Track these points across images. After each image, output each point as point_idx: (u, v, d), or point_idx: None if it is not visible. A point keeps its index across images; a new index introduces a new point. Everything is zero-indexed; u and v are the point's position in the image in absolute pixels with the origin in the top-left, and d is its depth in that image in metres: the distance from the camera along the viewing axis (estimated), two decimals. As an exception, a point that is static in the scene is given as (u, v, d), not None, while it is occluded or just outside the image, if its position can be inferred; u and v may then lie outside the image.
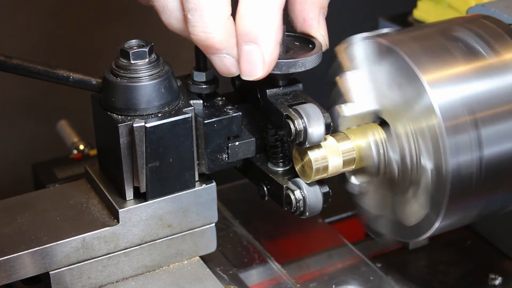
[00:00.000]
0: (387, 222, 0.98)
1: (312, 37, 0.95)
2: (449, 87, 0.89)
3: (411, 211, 0.94)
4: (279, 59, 0.92)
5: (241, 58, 0.89)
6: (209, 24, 0.87)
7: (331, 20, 0.97)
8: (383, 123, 0.95)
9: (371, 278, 1.07)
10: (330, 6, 0.96)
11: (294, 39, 0.96)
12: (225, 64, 0.89)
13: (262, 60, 0.88)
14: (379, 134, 0.95)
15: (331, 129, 0.92)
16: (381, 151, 0.95)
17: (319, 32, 0.95)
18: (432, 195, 0.91)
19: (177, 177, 0.96)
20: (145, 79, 0.93)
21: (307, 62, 0.92)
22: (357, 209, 1.03)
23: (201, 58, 0.97)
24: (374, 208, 0.99)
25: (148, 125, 0.91)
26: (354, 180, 0.99)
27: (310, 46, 0.95)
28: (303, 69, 0.92)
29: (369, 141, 0.95)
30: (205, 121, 0.95)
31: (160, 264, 1.00)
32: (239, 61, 0.89)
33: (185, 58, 1.10)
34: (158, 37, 1.02)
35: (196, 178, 0.98)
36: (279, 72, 0.92)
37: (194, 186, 0.97)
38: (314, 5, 0.94)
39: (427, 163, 0.90)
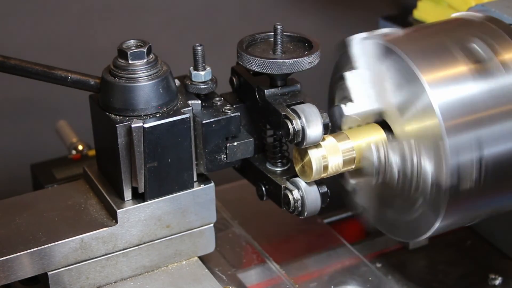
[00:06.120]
0: (387, 221, 0.98)
1: (310, 37, 0.95)
2: (449, 87, 0.89)
3: (412, 211, 0.94)
4: (277, 59, 0.92)
5: None
6: None
7: (331, 20, 0.97)
8: (384, 123, 0.95)
9: (370, 278, 1.07)
10: (330, 6, 0.96)
11: (292, 39, 0.96)
12: None
13: None
14: (379, 134, 0.95)
15: (330, 129, 0.92)
16: (381, 151, 0.95)
17: None
18: (432, 195, 0.90)
19: (176, 177, 0.95)
20: (143, 79, 0.92)
21: (305, 62, 0.92)
22: (356, 208, 1.02)
23: (199, 58, 0.96)
24: (374, 207, 0.99)
25: (146, 125, 0.91)
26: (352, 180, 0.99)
27: (308, 46, 0.95)
28: (301, 70, 0.92)
29: (369, 141, 0.95)
30: (203, 121, 0.95)
31: (158, 265, 0.99)
32: None
33: (183, 58, 1.09)
34: (157, 37, 1.02)
35: (195, 179, 0.98)
36: (277, 73, 0.92)
37: (192, 187, 0.97)
38: None
39: (427, 164, 0.90)
